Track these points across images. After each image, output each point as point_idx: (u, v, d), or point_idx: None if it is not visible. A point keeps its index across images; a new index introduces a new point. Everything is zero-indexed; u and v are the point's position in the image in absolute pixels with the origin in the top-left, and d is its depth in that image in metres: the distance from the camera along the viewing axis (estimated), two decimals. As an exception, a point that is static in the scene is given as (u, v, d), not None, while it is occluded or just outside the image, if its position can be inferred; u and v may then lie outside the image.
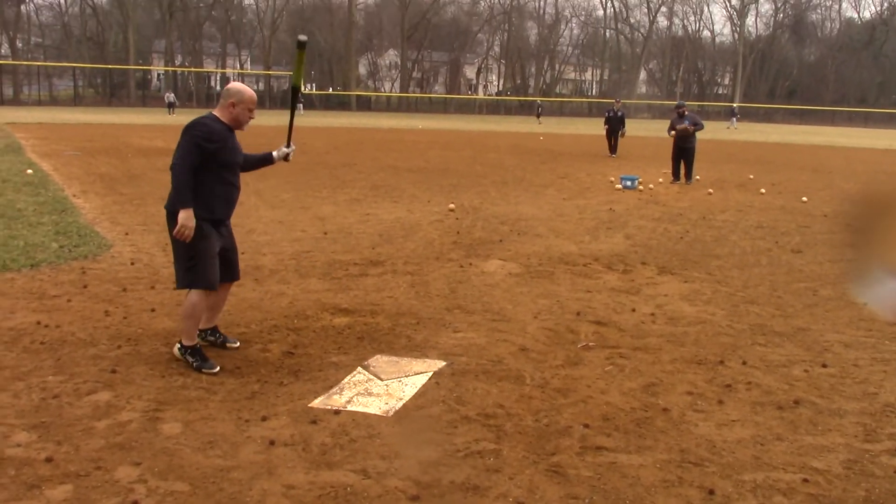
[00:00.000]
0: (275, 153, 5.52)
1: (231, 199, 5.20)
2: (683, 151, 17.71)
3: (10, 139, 24.46)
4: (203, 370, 4.89)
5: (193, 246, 4.91)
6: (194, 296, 4.97)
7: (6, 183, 13.50)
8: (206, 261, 4.97)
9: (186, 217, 4.83)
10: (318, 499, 3.44)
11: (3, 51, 72.16)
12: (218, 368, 4.93)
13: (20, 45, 75.12)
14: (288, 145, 5.50)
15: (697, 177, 18.36)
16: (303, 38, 5.20)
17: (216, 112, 5.06)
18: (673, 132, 17.68)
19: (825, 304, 7.12)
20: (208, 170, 4.91)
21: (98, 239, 8.97)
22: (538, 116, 59.50)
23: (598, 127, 32.48)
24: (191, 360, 4.95)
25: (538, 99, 73.68)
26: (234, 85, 5.14)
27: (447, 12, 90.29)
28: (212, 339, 5.43)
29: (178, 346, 5.06)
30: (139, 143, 24.97)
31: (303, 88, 5.96)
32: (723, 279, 8.02)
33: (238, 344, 5.50)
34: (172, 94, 53.30)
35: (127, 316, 6.08)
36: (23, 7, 74.24)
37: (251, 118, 5.09)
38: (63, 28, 76.60)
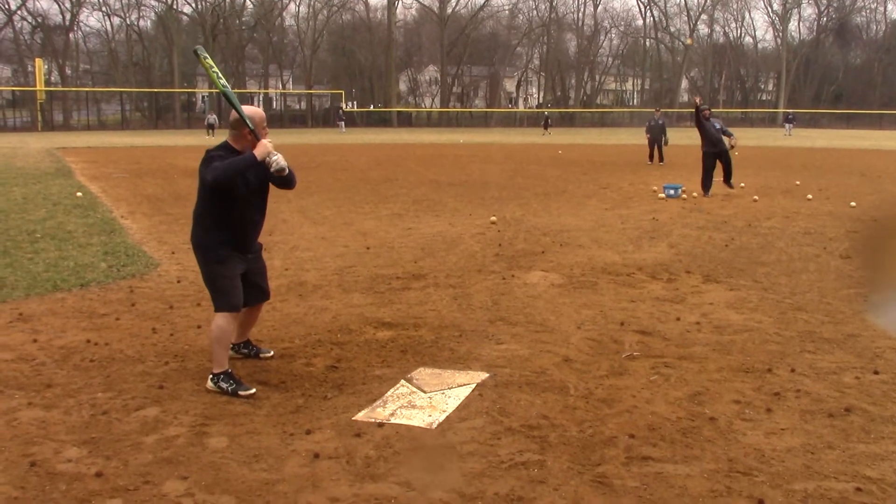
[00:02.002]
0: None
1: (248, 230, 5.18)
2: (719, 156, 16.45)
3: (61, 163, 25.02)
4: (239, 393, 4.83)
5: (214, 271, 5.01)
6: (220, 319, 4.95)
7: (57, 206, 13.82)
8: (226, 284, 5.00)
9: (259, 147, 4.82)
10: (363, 511, 3.44)
11: (53, 78, 73.87)
12: (254, 390, 4.88)
13: (69, 71, 76.86)
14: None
15: (742, 184, 18.12)
16: (197, 49, 5.21)
17: (230, 141, 5.01)
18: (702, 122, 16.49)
19: (876, 311, 6.97)
20: (224, 202, 4.93)
21: (145, 258, 9.13)
22: (546, 128, 58.87)
23: (640, 137, 32.25)
24: (224, 385, 4.88)
25: (545, 111, 73.39)
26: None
27: (486, 27, 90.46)
28: (245, 351, 5.52)
29: (211, 377, 4.95)
30: (185, 164, 25.36)
31: (222, 87, 5.81)
32: (770, 286, 7.90)
33: (272, 353, 5.58)
34: (214, 116, 53.95)
35: (174, 333, 6.17)
36: (71, 35, 76.03)
37: (266, 134, 5.01)
38: (110, 54, 78.20)
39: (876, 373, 5.27)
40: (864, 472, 3.81)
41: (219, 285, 5.00)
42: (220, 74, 5.19)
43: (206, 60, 5.11)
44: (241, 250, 5.09)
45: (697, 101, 17.15)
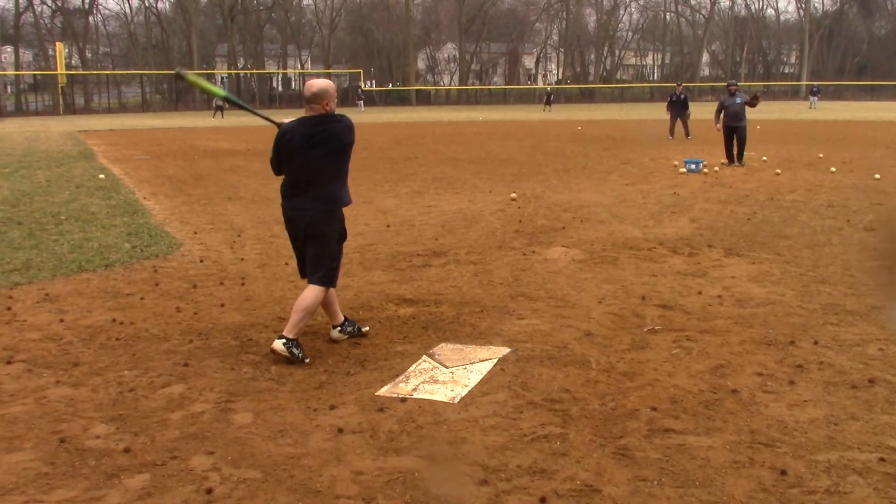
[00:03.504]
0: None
1: None
2: (735, 130, 17.04)
3: (83, 146, 25.21)
4: (305, 361, 5.02)
5: (338, 249, 5.28)
6: (319, 292, 5.15)
7: (80, 188, 13.94)
8: (338, 263, 5.36)
9: None
10: (387, 484, 3.48)
11: (73, 61, 74.27)
12: (310, 359, 5.07)
13: (89, 55, 77.26)
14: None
15: (765, 158, 17.97)
16: (178, 71, 5.50)
17: (318, 113, 5.04)
18: (719, 126, 17.42)
19: (900, 282, 6.92)
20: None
21: (168, 239, 9.20)
22: (548, 104, 58.25)
23: (660, 112, 31.99)
24: (296, 352, 5.03)
25: (548, 87, 72.88)
26: (318, 86, 5.04)
27: (504, 3, 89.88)
28: (350, 329, 5.60)
29: (283, 341, 5.05)
30: (205, 145, 25.49)
31: (211, 91, 6.19)
32: (792, 259, 7.85)
33: (367, 328, 5.75)
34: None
35: (197, 312, 6.23)
36: (91, 18, 76.34)
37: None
38: (129, 37, 78.54)
39: (900, 344, 5.24)
40: (887, 443, 3.80)
41: (336, 264, 5.29)
42: (212, 86, 5.37)
43: (191, 78, 5.35)
44: None
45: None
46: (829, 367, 4.84)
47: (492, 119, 44.31)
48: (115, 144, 26.27)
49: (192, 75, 5.23)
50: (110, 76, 73.88)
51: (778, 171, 15.63)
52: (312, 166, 5.04)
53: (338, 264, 5.31)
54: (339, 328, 5.52)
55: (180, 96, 74.82)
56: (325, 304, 5.43)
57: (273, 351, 5.08)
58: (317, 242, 5.17)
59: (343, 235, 5.33)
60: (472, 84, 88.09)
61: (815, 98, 56.69)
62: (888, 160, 17.96)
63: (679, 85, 26.83)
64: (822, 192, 12.72)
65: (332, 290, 5.44)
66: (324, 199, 5.11)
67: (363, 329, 5.66)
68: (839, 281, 6.99)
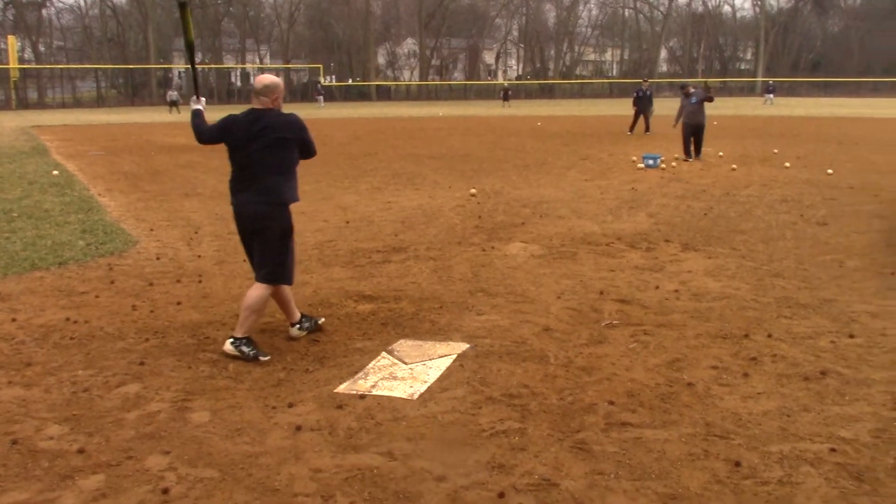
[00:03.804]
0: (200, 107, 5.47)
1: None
2: (695, 128, 17.64)
3: (36, 142, 24.74)
4: (259, 358, 4.98)
5: (289, 241, 5.17)
6: (265, 290, 5.11)
7: (33, 184, 13.68)
8: (290, 259, 5.23)
9: None
10: (345, 482, 3.47)
11: (26, 55, 72.81)
12: (269, 357, 5.03)
13: (42, 48, 75.78)
14: (198, 99, 5.45)
15: (721, 153, 18.21)
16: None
17: (266, 107, 5.04)
18: (676, 125, 17.93)
19: (852, 276, 7.06)
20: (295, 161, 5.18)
21: (124, 236, 9.07)
22: (506, 100, 58.32)
23: (619, 107, 32.24)
24: (246, 350, 5.01)
25: (505, 83, 73.17)
26: (270, 79, 5.08)
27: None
28: (308, 325, 5.56)
29: (232, 340, 5.05)
30: (162, 140, 25.17)
31: (194, 45, 6.20)
32: (747, 254, 7.97)
33: (323, 319, 5.73)
34: (175, 93, 52.70)
35: (154, 310, 6.16)
36: (44, 11, 74.93)
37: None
38: (84, 30, 77.16)
39: (851, 336, 5.35)
40: (838, 433, 3.88)
41: (281, 260, 5.15)
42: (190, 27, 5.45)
43: (187, 14, 5.30)
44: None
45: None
46: (782, 360, 4.92)
47: (452, 115, 44.32)
48: (70, 140, 25.83)
49: (187, 14, 5.27)
50: (64, 70, 72.57)
51: (734, 166, 15.84)
52: (254, 159, 4.98)
53: (284, 261, 5.17)
54: (296, 325, 5.49)
55: (136, 91, 73.79)
56: (281, 302, 5.40)
57: (224, 352, 5.05)
58: (261, 238, 5.12)
59: (287, 231, 5.18)
60: (433, 79, 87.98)
61: (771, 95, 57.23)
62: (841, 155, 18.29)
63: (645, 81, 27.03)
64: (776, 187, 12.92)
65: (286, 288, 5.41)
66: (265, 194, 5.03)
67: (319, 321, 5.64)
68: (793, 275, 7.11)
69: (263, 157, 4.98)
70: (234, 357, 5.01)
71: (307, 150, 5.19)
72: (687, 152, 17.69)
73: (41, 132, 30.16)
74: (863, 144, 21.52)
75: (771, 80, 64.10)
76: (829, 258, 7.75)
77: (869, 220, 9.82)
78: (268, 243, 5.10)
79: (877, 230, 9.14)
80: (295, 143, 5.07)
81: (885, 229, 9.21)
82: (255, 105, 5.04)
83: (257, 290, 5.10)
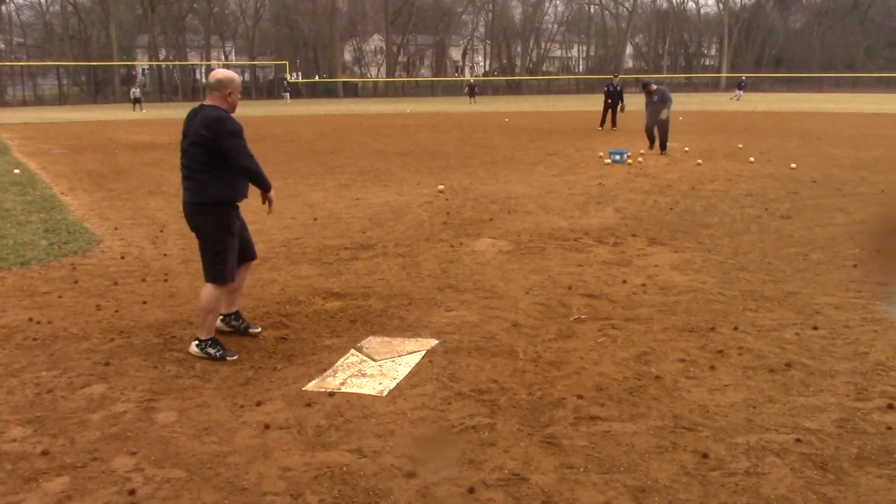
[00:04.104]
0: None
1: (246, 187, 5.20)
2: (658, 123, 17.97)
3: (-4, 140, 24.33)
4: (227, 358, 4.92)
5: (223, 241, 4.99)
6: (216, 290, 5.01)
7: (-7, 183, 13.45)
8: (230, 256, 5.05)
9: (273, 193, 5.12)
10: (315, 479, 3.45)
11: (-15, 52, 71.65)
12: (237, 355, 4.98)
13: (2, 45, 74.54)
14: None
15: (686, 148, 18.37)
16: None
17: (215, 103, 4.94)
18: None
19: (815, 268, 7.15)
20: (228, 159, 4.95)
21: (87, 235, 8.95)
22: (472, 97, 58.31)
23: (586, 103, 32.39)
24: (212, 351, 4.95)
25: (471, 79, 73.29)
26: (224, 74, 5.00)
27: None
28: (235, 324, 5.47)
29: (196, 342, 5.02)
30: (126, 138, 24.86)
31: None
32: (713, 248, 8.04)
33: (260, 329, 5.56)
34: (138, 90, 52.09)
35: (119, 309, 6.08)
36: (3, 7, 73.62)
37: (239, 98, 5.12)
38: (45, 27, 75.93)
39: (815, 328, 5.42)
40: (803, 424, 3.93)
41: (225, 257, 5.02)
42: None
43: None
44: (237, 202, 5.11)
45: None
46: (748, 352, 4.98)
47: (419, 111, 44.25)
48: (31, 138, 25.43)
49: None
50: (25, 68, 71.40)
51: (699, 161, 15.98)
52: (187, 156, 4.92)
53: (223, 258, 5.00)
54: (222, 317, 5.41)
55: (99, 88, 72.81)
56: (229, 288, 5.33)
57: (191, 354, 5.01)
58: (198, 237, 5.07)
59: (225, 230, 4.98)
60: (400, 76, 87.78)
61: (741, 91, 56.66)
62: (803, 150, 18.52)
63: (615, 76, 27.13)
64: (741, 181, 13.05)
65: (244, 274, 5.41)
66: (194, 192, 4.93)
67: (252, 329, 5.50)
68: (757, 268, 7.18)
69: (193, 155, 4.87)
70: (201, 358, 4.96)
71: (229, 157, 4.85)
72: (651, 140, 18.35)
73: (1, 130, 29.67)
74: (825, 139, 21.81)
75: (744, 76, 63.89)
76: (793, 251, 7.85)
77: (831, 213, 9.96)
78: (205, 243, 5.03)
79: (839, 223, 9.27)
80: (212, 142, 4.80)
81: (847, 222, 9.34)
82: (206, 101, 4.96)
83: (206, 290, 5.02)
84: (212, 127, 4.79)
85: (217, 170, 4.87)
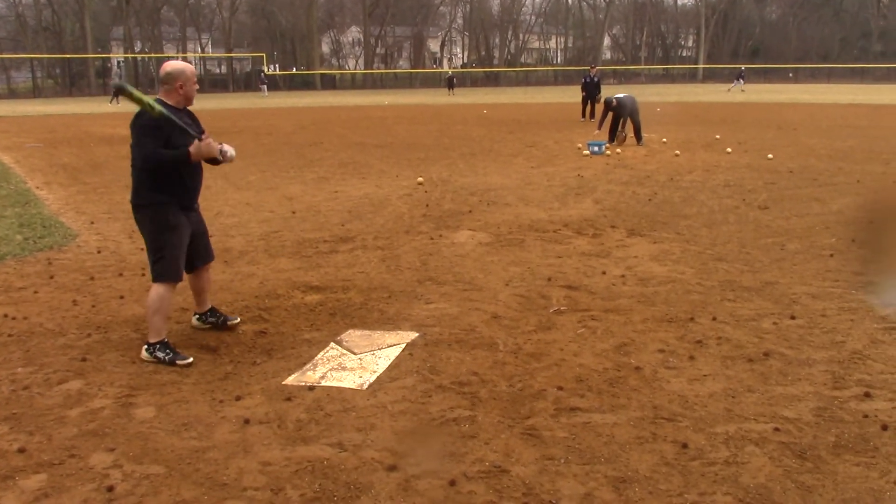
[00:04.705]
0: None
1: (194, 183, 5.03)
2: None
3: (-31, 134, 24.03)
4: (177, 362, 4.76)
5: (161, 238, 4.84)
6: (161, 289, 4.87)
7: (-33, 178, 13.29)
8: (174, 253, 4.88)
9: (198, 148, 4.71)
10: (295, 474, 3.44)
11: (-44, 45, 70.68)
12: (191, 359, 4.81)
13: (-26, 38, 73.64)
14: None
15: (664, 139, 18.45)
16: (118, 85, 4.98)
17: (161, 96, 4.85)
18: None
19: (792, 258, 7.20)
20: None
21: (63, 229, 8.87)
22: (451, 89, 58.23)
23: (564, 95, 32.43)
24: (161, 355, 4.80)
25: (450, 71, 73.29)
26: (173, 66, 4.87)
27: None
28: (213, 320, 5.42)
29: (146, 347, 4.87)
30: (102, 131, 24.61)
31: (151, 106, 5.66)
32: (691, 238, 8.08)
33: (238, 319, 5.52)
34: (116, 80, 51.82)
35: (95, 304, 6.03)
36: (-25, -1, 72.76)
37: (197, 89, 4.98)
38: (17, 19, 74.95)
39: (792, 318, 5.46)
40: (782, 413, 3.96)
41: (167, 254, 4.85)
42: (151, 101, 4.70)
43: (135, 94, 4.59)
44: (186, 207, 4.95)
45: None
46: (726, 342, 5.01)
47: (398, 103, 44.14)
48: (5, 132, 25.13)
49: (135, 91, 4.76)
50: (-2, 60, 70.58)
51: (677, 152, 16.04)
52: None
53: (162, 256, 4.84)
54: (198, 316, 5.40)
55: (74, 81, 72.05)
56: (196, 290, 5.31)
57: (142, 360, 4.86)
58: (142, 236, 4.99)
59: (161, 228, 4.82)
60: (378, 68, 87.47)
61: (740, 81, 54.93)
62: (780, 140, 18.64)
63: (592, 67, 27.16)
64: (719, 172, 13.12)
65: (206, 276, 5.34)
66: (132, 192, 4.88)
67: (230, 321, 5.46)
68: (735, 258, 7.23)
69: (131, 152, 4.79)
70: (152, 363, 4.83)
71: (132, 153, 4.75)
72: (612, 138, 17.96)
73: (-25, 124, 29.30)
74: (801, 129, 21.97)
75: (742, 67, 62.39)
76: (771, 241, 7.90)
77: (808, 203, 10.03)
78: (146, 242, 4.94)
79: (816, 213, 9.34)
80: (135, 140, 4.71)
81: (823, 212, 9.41)
82: (159, 94, 4.85)
83: (153, 290, 4.88)
84: (132, 124, 4.70)
85: (148, 170, 4.74)
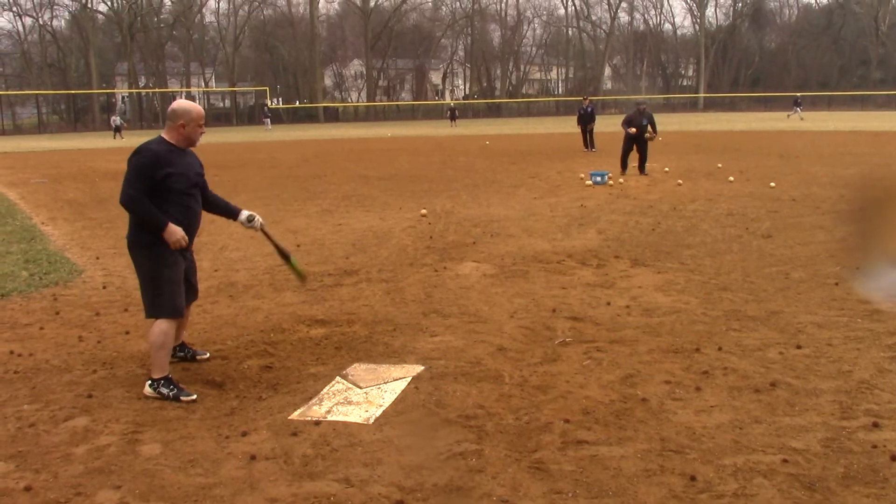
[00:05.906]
0: (243, 215, 5.50)
1: (192, 223, 5.03)
2: (639, 143, 18.12)
3: (-25, 170, 24.18)
4: (181, 398, 4.74)
5: (160, 275, 4.84)
6: (164, 325, 4.86)
7: (-28, 214, 13.35)
8: (172, 288, 4.89)
9: (171, 232, 4.76)
10: (302, 510, 3.43)
11: (-37, 82, 71.30)
12: (195, 396, 4.79)
13: (-20, 75, 74.31)
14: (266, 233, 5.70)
15: (666, 169, 18.51)
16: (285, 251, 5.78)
17: (164, 135, 4.89)
18: (632, 130, 17.98)
19: (797, 287, 7.20)
20: (163, 197, 4.77)
21: (68, 265, 8.89)
22: (453, 120, 58.49)
23: (566, 125, 32.62)
24: (165, 391, 4.78)
25: (452, 102, 73.79)
26: (180, 104, 4.94)
27: (409, 19, 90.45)
28: (181, 354, 5.43)
29: (149, 382, 4.86)
30: (106, 166, 24.75)
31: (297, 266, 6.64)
32: (695, 268, 8.09)
33: (207, 355, 5.51)
34: (118, 118, 52.24)
35: (101, 340, 6.03)
36: (-20, 37, 73.51)
37: (202, 133, 5.01)
38: (23, 56, 75.72)
39: (798, 347, 5.45)
40: (790, 444, 3.94)
41: (167, 290, 4.85)
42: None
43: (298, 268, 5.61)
44: (182, 247, 4.94)
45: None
46: (733, 373, 4.99)
47: (400, 135, 44.38)
48: (10, 168, 25.30)
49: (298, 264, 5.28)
50: (3, 97, 71.12)
51: (680, 181, 16.09)
52: None
53: (159, 293, 4.84)
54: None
55: (79, 117, 72.56)
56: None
57: (145, 396, 4.85)
58: (137, 272, 5.01)
59: (157, 265, 4.83)
60: (380, 100, 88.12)
61: (798, 109, 54.09)
62: (782, 168, 18.69)
63: (585, 99, 27.41)
64: (721, 201, 13.15)
65: (187, 313, 5.33)
66: (130, 228, 4.92)
67: (199, 356, 5.48)
68: (740, 287, 7.22)
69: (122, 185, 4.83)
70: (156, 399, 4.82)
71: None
72: (624, 166, 18.44)
73: (-20, 160, 29.48)
74: (803, 157, 22.03)
75: (798, 95, 59.96)
76: (775, 270, 7.90)
77: (812, 231, 10.04)
78: (142, 279, 4.94)
79: (819, 241, 9.35)
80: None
81: (827, 240, 9.41)
82: (163, 132, 4.94)
83: (155, 326, 4.88)
84: (129, 158, 4.77)
85: (128, 209, 4.81)
